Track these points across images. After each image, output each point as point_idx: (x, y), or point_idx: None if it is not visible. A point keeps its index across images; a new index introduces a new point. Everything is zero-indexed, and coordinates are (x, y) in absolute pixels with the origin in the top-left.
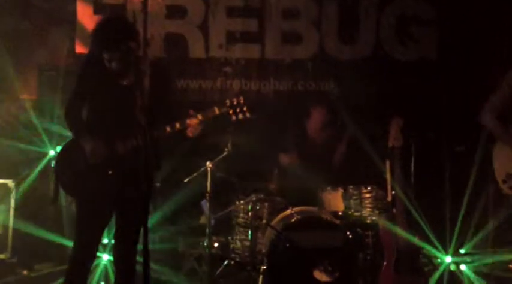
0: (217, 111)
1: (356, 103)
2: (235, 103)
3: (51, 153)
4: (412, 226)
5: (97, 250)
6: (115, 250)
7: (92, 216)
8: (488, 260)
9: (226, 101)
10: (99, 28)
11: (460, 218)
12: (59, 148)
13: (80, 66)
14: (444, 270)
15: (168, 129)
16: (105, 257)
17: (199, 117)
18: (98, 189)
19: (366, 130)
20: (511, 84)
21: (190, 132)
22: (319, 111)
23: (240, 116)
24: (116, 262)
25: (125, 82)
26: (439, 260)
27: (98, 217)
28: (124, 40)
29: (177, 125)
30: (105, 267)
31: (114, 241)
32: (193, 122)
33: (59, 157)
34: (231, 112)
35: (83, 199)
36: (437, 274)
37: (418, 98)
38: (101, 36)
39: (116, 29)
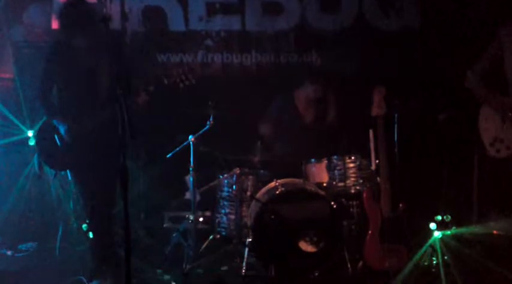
0: (165, 81)
1: (339, 73)
2: (180, 71)
3: (29, 133)
4: (396, 195)
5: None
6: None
7: (83, 180)
8: (473, 228)
9: (172, 71)
10: (64, 15)
11: (444, 186)
12: (36, 126)
13: (48, 51)
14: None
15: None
16: None
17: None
18: (79, 161)
19: (349, 99)
20: (497, 48)
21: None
22: (309, 85)
23: (187, 83)
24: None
25: (90, 60)
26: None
27: (89, 180)
28: (90, 24)
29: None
30: None
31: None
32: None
33: (39, 135)
34: (177, 80)
35: (72, 170)
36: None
37: (400, 67)
38: (67, 23)
39: (80, 14)
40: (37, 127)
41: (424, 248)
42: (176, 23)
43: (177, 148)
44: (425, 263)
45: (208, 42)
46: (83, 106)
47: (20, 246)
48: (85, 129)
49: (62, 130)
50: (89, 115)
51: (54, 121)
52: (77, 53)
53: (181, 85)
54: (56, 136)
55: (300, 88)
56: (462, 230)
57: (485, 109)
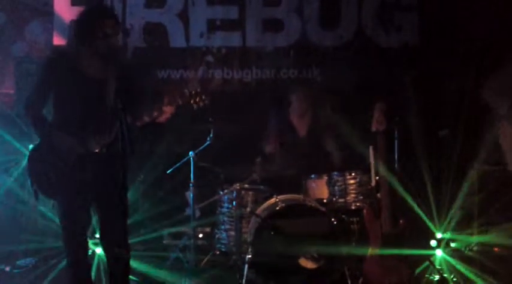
0: (180, 102)
1: (339, 89)
2: (193, 92)
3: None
4: (397, 211)
5: (86, 240)
6: (102, 240)
7: (73, 211)
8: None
9: (185, 91)
10: (82, 19)
11: (444, 203)
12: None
13: (45, 60)
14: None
15: (146, 118)
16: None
17: (166, 109)
18: (74, 185)
19: (349, 115)
20: None
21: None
22: (298, 97)
23: (201, 104)
24: (106, 252)
25: (95, 75)
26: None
27: (79, 212)
28: (109, 30)
29: (155, 113)
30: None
31: (100, 232)
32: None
33: (31, 160)
34: (191, 102)
35: (61, 197)
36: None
37: (401, 83)
38: (84, 27)
39: (99, 21)
40: (29, 151)
41: (424, 265)
42: (177, 39)
43: (177, 164)
44: (426, 280)
45: (209, 58)
46: (88, 121)
47: (18, 262)
48: (92, 147)
49: (62, 149)
50: (96, 132)
51: (51, 141)
52: (83, 60)
53: (194, 106)
54: (53, 158)
55: (291, 102)
56: (462, 247)
57: (504, 127)
